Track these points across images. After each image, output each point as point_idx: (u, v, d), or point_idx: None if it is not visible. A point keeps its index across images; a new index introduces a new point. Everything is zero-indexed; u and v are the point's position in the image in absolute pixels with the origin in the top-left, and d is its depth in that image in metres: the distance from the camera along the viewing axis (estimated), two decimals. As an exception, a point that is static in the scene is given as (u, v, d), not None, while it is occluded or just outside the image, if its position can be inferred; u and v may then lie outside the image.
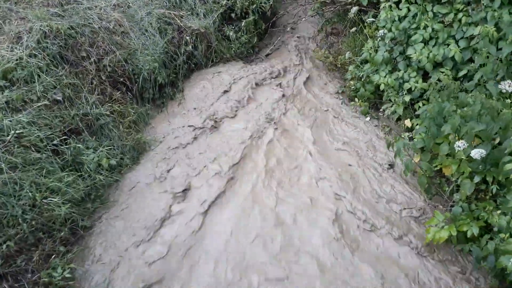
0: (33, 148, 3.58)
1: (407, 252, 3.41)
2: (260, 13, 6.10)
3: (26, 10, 4.75)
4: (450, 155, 3.50)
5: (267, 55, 6.16)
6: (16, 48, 4.12)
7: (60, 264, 3.21)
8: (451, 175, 3.51)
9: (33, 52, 4.11)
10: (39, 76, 4.03)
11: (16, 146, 3.45)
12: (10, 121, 3.55)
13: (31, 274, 3.11)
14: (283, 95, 5.24)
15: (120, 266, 3.38)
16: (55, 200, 3.39)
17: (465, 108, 3.32)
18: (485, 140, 3.08)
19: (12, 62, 3.96)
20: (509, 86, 3.15)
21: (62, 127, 3.91)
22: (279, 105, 5.11)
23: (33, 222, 3.26)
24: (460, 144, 3.06)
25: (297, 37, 6.27)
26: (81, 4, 5.11)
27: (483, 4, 4.10)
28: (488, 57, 3.83)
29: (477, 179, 3.19)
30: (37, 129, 3.68)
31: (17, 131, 3.52)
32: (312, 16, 6.29)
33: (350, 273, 3.25)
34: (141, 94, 4.92)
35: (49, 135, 3.74)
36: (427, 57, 4.21)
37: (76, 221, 3.55)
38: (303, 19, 6.30)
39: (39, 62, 4.07)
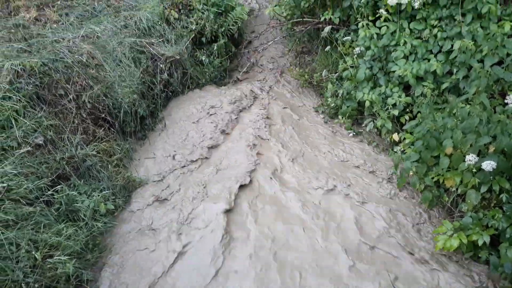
0: (23, 201, 3.25)
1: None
2: (230, 36, 6.07)
3: (-13, 48, 4.35)
4: (450, 167, 3.64)
5: (240, 78, 6.11)
6: (-15, 91, 3.74)
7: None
8: (452, 186, 3.65)
9: (7, 94, 3.75)
10: (16, 120, 3.68)
11: (6, 201, 3.11)
12: (-5, 173, 3.20)
13: None
14: (263, 116, 5.20)
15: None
16: (57, 257, 3.09)
17: (464, 122, 3.47)
18: (496, 151, 3.22)
19: (-16, 107, 3.59)
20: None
21: (49, 174, 3.59)
22: (259, 127, 5.04)
23: (36, 285, 2.94)
24: (471, 158, 3.19)
25: (269, 57, 6.29)
26: (46, 37, 4.78)
27: (455, 19, 4.36)
28: (469, 69, 4.07)
29: (483, 189, 3.33)
30: (24, 180, 3.35)
31: (3, 184, 3.18)
32: (283, 37, 6.34)
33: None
34: (122, 128, 4.66)
35: (37, 184, 3.41)
36: (411, 73, 4.38)
37: (80, 276, 3.26)
38: (275, 39, 6.33)
39: (14, 104, 3.72)
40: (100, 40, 4.98)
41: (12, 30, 4.83)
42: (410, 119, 4.52)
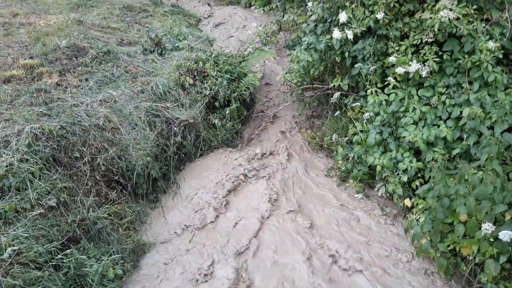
0: (32, 265, 3.21)
1: None
2: (242, 100, 6.26)
3: (10, 111, 4.54)
4: (465, 234, 3.56)
5: (252, 140, 6.20)
6: (4, 153, 3.84)
7: None
8: (469, 254, 3.54)
9: (25, 156, 3.84)
10: (31, 182, 3.74)
11: (15, 265, 3.08)
12: (6, 236, 3.20)
13: None
14: (274, 178, 5.21)
15: None
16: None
17: (477, 189, 3.44)
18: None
19: (2, 169, 3.67)
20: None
21: (60, 237, 3.58)
22: (270, 193, 5.01)
23: None
24: (487, 227, 3.12)
25: (280, 121, 6.42)
26: (66, 101, 4.97)
27: (462, 87, 4.47)
28: (479, 135, 4.10)
29: (503, 259, 3.23)
30: (35, 243, 3.34)
31: (14, 248, 3.17)
32: (293, 102, 6.52)
33: None
34: (134, 190, 4.69)
35: (48, 248, 3.39)
36: (421, 138, 4.41)
37: None
38: (286, 103, 6.50)
39: (31, 167, 3.80)
40: (117, 104, 5.17)
41: (34, 95, 5.06)
42: (422, 184, 4.49)
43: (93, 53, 6.45)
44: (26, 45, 6.86)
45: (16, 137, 4.00)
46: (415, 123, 4.62)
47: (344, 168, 5.25)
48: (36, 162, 3.86)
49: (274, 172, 5.38)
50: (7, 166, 3.71)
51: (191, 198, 4.89)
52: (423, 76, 4.54)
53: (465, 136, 4.31)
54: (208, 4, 13.46)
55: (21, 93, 5.10)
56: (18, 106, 4.71)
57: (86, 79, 5.78)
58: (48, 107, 4.74)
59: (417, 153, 4.77)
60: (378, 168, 4.73)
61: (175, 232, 4.44)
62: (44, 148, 3.99)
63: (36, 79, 5.61)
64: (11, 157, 3.79)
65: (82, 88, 5.51)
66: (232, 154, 5.68)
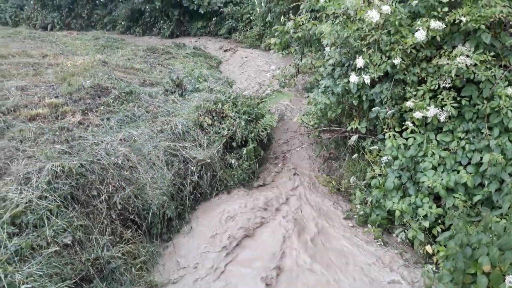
0: (43, 306, 3.19)
1: None
2: (259, 141, 6.30)
3: (33, 148, 4.66)
4: (489, 287, 3.40)
5: (268, 181, 6.18)
6: (25, 190, 3.91)
7: None
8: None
9: (44, 193, 3.91)
10: (48, 219, 3.78)
11: (26, 305, 3.06)
12: (21, 274, 3.20)
13: None
14: (288, 223, 5.11)
15: None
16: None
17: (500, 239, 3.32)
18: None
19: (21, 206, 3.73)
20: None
21: (73, 275, 3.56)
22: (285, 239, 4.89)
23: None
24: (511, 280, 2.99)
25: (297, 162, 6.41)
26: (87, 139, 5.10)
27: (482, 132, 4.41)
28: (501, 182, 4.00)
29: (529, 314, 3.06)
30: (48, 281, 3.33)
31: (28, 286, 3.16)
32: (310, 143, 6.53)
33: None
34: (149, 230, 4.68)
35: (60, 286, 3.37)
36: (440, 184, 4.33)
37: None
38: (303, 145, 6.51)
39: (49, 204, 3.85)
40: (137, 143, 5.27)
41: (57, 133, 5.20)
42: (443, 230, 4.36)
43: (116, 93, 6.66)
44: (52, 85, 7.14)
45: (37, 174, 4.08)
46: (434, 168, 4.55)
47: (362, 212, 5.16)
48: (54, 199, 3.92)
49: (288, 216, 5.29)
50: (26, 202, 3.77)
51: (204, 239, 4.84)
52: (442, 121, 4.52)
53: (486, 182, 4.23)
54: (229, 48, 13.88)
55: (44, 131, 5.26)
56: (41, 144, 4.84)
57: (108, 118, 5.95)
58: (69, 145, 4.86)
59: (436, 198, 4.67)
60: (397, 213, 4.63)
61: (188, 272, 4.37)
62: (63, 186, 4.05)
63: (59, 118, 5.80)
64: (31, 194, 3.85)
65: (103, 127, 5.66)
66: (247, 196, 5.65)
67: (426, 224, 4.38)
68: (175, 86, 7.37)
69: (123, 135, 5.33)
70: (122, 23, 19.56)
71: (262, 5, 12.03)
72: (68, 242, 3.78)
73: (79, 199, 4.14)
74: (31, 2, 21.26)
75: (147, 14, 18.63)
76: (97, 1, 20.74)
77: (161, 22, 18.45)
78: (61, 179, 4.10)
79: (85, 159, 4.53)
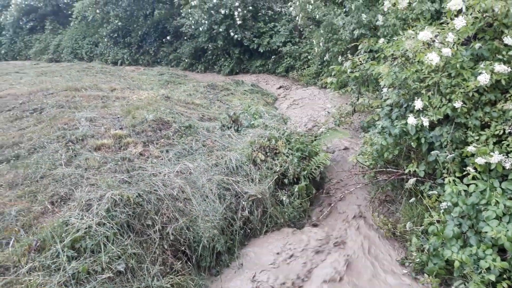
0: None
1: None
2: (311, 179, 6.25)
3: (96, 176, 4.94)
4: None
5: (319, 221, 6.07)
6: (85, 216, 4.14)
7: None
8: None
9: (102, 220, 4.10)
10: (105, 245, 3.95)
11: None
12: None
13: None
14: (340, 266, 4.95)
15: None
16: None
17: None
18: None
19: (81, 231, 3.93)
20: None
21: (123, 303, 3.66)
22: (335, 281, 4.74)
23: None
24: None
25: (350, 203, 6.26)
26: (146, 170, 5.33)
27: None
28: None
29: None
30: (100, 308, 3.44)
31: (82, 311, 3.29)
32: (365, 184, 6.38)
33: None
34: (198, 262, 4.73)
35: (111, 314, 3.48)
36: (505, 236, 4.03)
37: None
38: (357, 186, 6.37)
39: (107, 231, 4.03)
40: (192, 176, 5.43)
41: (119, 162, 5.50)
42: (509, 286, 4.01)
43: (176, 127, 6.96)
44: (118, 117, 7.61)
45: (97, 202, 4.32)
46: (499, 218, 4.24)
47: (418, 260, 4.89)
48: (111, 226, 4.10)
49: (339, 259, 5.13)
50: (86, 228, 3.98)
51: (252, 276, 4.79)
52: (507, 168, 4.25)
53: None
54: (286, 85, 14.13)
55: (108, 160, 5.58)
56: (103, 172, 5.13)
57: (167, 151, 6.21)
58: (129, 175, 5.11)
59: (501, 250, 4.33)
60: (457, 263, 4.34)
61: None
62: (121, 214, 4.24)
63: (122, 148, 6.14)
64: (90, 220, 4.06)
65: (162, 159, 5.90)
66: (299, 234, 5.56)
67: (492, 277, 4.05)
68: (231, 122, 7.58)
69: (180, 167, 5.52)
70: (186, 60, 20.66)
71: (321, 44, 12.22)
72: (121, 269, 3.90)
73: (135, 228, 4.30)
74: (105, 40, 23.17)
75: (209, 52, 19.56)
76: (164, 39, 22.14)
77: (222, 60, 19.29)
78: (119, 207, 4.29)
79: (143, 189, 4.73)
